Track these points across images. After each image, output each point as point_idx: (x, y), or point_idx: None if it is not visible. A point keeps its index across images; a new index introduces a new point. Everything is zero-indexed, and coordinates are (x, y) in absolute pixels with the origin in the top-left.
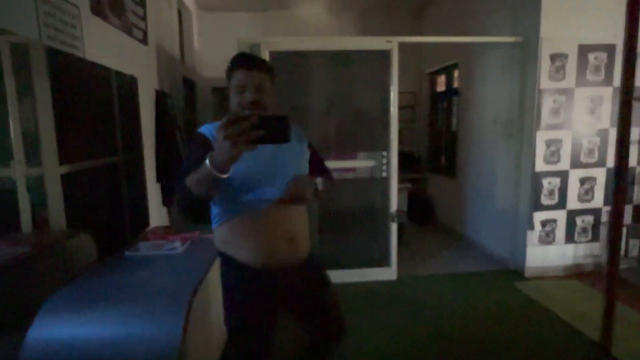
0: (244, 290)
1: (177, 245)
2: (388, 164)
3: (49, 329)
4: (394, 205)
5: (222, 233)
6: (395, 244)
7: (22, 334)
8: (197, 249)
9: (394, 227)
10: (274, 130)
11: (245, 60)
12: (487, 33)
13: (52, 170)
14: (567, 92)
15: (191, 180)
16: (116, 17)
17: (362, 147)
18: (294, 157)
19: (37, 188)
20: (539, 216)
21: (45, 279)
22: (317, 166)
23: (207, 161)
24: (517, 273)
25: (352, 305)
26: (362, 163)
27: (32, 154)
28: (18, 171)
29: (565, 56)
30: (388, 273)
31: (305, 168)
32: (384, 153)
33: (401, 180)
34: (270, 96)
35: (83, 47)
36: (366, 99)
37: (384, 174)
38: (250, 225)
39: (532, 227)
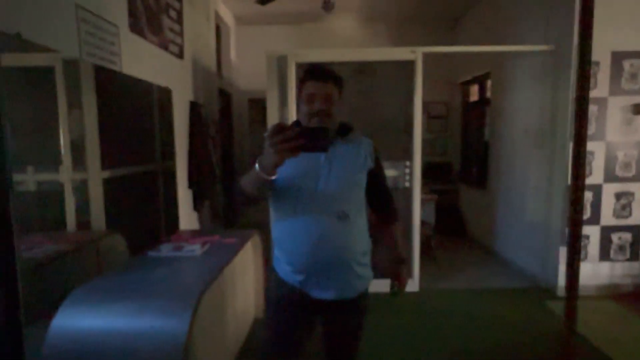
0: (276, 309)
1: (196, 248)
2: (411, 174)
3: (70, 319)
4: (416, 216)
5: (273, 243)
6: (417, 255)
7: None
8: (215, 252)
9: (416, 239)
10: (314, 140)
11: (315, 72)
12: (520, 42)
13: (95, 175)
14: (599, 102)
15: (244, 180)
16: (153, 34)
17: (385, 156)
18: (344, 172)
19: (81, 191)
20: None
21: (79, 274)
22: (374, 194)
23: (256, 164)
24: (549, 291)
25: (371, 315)
26: (385, 173)
27: (78, 160)
28: (66, 175)
29: (597, 64)
30: (410, 285)
31: (359, 185)
32: (407, 163)
33: (430, 191)
34: (336, 106)
35: (120, 62)
36: (391, 109)
37: (407, 184)
38: (288, 236)
39: (564, 243)
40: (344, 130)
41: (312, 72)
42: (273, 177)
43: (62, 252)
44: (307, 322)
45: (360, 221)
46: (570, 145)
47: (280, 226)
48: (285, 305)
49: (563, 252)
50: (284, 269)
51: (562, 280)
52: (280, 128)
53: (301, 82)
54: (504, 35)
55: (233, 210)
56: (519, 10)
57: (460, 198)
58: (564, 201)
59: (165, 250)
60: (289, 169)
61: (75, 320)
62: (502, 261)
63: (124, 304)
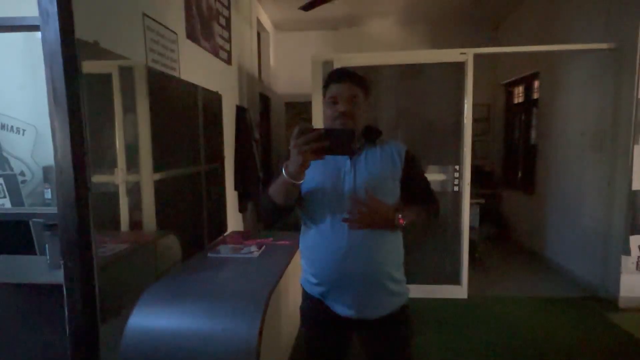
0: (305, 325)
1: (254, 250)
2: (460, 178)
3: (145, 318)
4: (465, 221)
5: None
6: (466, 261)
7: (121, 319)
8: (271, 254)
9: (465, 244)
10: (339, 142)
11: (339, 74)
12: (574, 40)
13: (147, 177)
14: None
15: (272, 189)
16: (206, 41)
17: (432, 160)
18: (371, 178)
19: (134, 193)
20: (636, 240)
21: (139, 272)
22: (414, 193)
23: (283, 169)
24: (609, 302)
25: (418, 322)
26: (432, 177)
27: (132, 162)
28: (120, 177)
29: None
30: (458, 291)
31: (388, 192)
32: (456, 167)
33: (473, 195)
34: (362, 108)
35: (179, 68)
36: (438, 111)
37: (456, 189)
38: (314, 246)
39: (628, 252)
40: (371, 134)
41: (334, 75)
42: (300, 182)
43: (125, 252)
44: (337, 339)
45: (392, 234)
46: (635, 148)
47: (306, 236)
48: (312, 322)
49: (626, 261)
50: (307, 280)
51: (624, 291)
52: (305, 130)
53: (324, 87)
54: (554, 33)
55: (281, 215)
56: (573, 7)
57: (502, 202)
58: (627, 207)
59: (224, 251)
60: (313, 175)
61: (150, 320)
62: (553, 268)
63: (195, 305)
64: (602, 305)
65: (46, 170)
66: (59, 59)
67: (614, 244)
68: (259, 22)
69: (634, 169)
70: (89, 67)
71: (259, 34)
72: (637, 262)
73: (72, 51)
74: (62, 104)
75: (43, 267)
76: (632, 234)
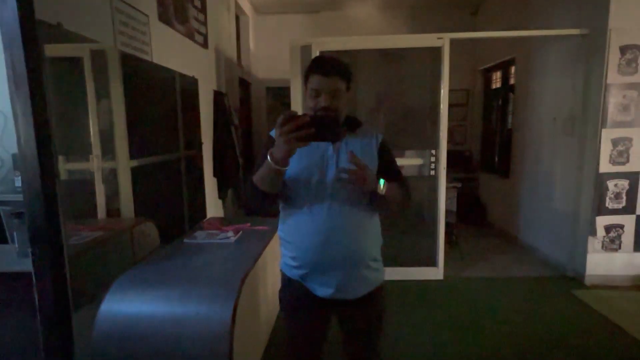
0: (286, 308)
1: (230, 235)
2: (437, 162)
3: (118, 304)
4: (442, 204)
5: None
6: (442, 243)
7: (97, 305)
8: (248, 239)
9: (441, 227)
10: (324, 129)
11: (322, 66)
12: (548, 26)
13: (124, 164)
14: (639, 87)
15: (257, 176)
16: (180, 24)
17: (410, 145)
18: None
19: (110, 180)
20: (602, 221)
21: (115, 260)
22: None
23: (268, 156)
24: (576, 281)
25: (394, 303)
26: (409, 161)
27: (107, 149)
28: (96, 164)
29: (639, 48)
30: (434, 273)
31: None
32: (433, 151)
33: (451, 179)
34: (344, 101)
35: (151, 51)
36: (415, 96)
37: (432, 173)
38: (295, 231)
39: (594, 233)
40: (352, 124)
41: (317, 66)
42: (285, 168)
43: (100, 239)
44: (318, 320)
45: (373, 217)
46: (602, 132)
47: (286, 220)
48: (292, 305)
49: (592, 242)
50: (286, 264)
51: (590, 269)
52: (291, 117)
53: (306, 76)
54: (530, 19)
55: (267, 204)
56: None
57: (480, 186)
58: (594, 190)
59: (200, 237)
60: (297, 161)
61: (122, 305)
62: (526, 249)
63: (169, 290)
64: (570, 283)
65: (16, 157)
66: (19, 41)
67: (582, 225)
68: (237, 5)
69: (601, 152)
70: (56, 50)
71: (237, 17)
72: (602, 242)
73: (32, 33)
74: (23, 88)
75: (12, 256)
76: (598, 214)
